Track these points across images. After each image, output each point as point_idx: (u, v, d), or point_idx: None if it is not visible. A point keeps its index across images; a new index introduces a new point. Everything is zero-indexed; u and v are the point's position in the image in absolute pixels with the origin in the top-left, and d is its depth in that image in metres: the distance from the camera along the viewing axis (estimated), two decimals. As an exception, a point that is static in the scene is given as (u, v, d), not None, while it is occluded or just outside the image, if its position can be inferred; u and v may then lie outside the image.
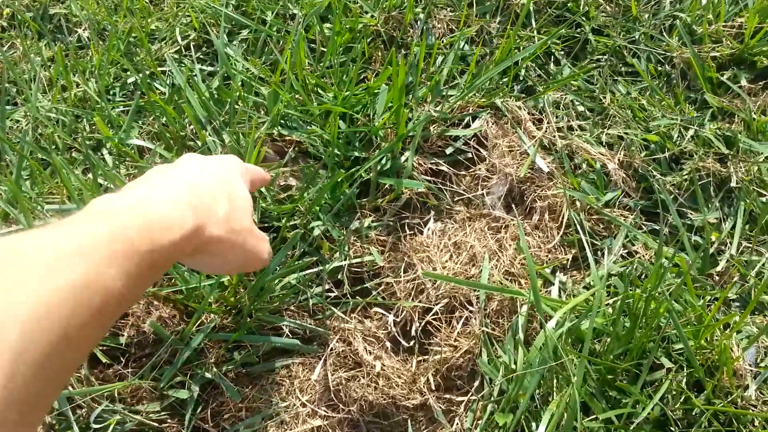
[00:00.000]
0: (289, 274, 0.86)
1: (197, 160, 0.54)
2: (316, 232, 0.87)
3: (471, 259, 0.88)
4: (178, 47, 1.12)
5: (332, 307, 0.87)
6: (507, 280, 0.85)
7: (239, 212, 0.52)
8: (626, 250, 0.89)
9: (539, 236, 0.90)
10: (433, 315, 0.83)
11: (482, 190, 0.94)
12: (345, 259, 0.88)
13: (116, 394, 0.77)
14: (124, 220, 0.39)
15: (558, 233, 0.89)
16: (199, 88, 0.99)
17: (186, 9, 1.15)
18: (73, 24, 1.17)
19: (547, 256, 0.89)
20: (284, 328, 0.84)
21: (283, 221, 0.89)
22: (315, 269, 0.88)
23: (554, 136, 0.95)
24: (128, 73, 1.11)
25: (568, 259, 0.89)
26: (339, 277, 0.89)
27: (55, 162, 0.88)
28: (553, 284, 0.86)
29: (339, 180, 0.95)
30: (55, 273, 0.32)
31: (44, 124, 1.02)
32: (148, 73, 1.10)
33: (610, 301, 0.81)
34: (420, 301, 0.84)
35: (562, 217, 0.89)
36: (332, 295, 0.88)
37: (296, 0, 1.20)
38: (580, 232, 0.88)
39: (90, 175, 0.94)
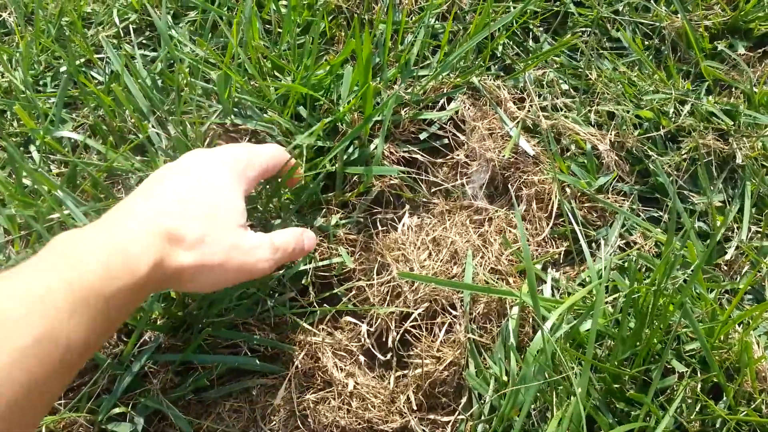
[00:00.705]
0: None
1: (192, 162, 0.56)
2: (278, 226, 0.76)
3: (452, 257, 0.78)
4: (116, 30, 1.00)
5: (297, 319, 0.76)
6: (493, 279, 0.76)
7: (218, 230, 0.51)
8: (623, 241, 0.80)
9: (527, 228, 0.80)
10: (412, 322, 0.73)
11: (462, 179, 0.84)
12: (310, 262, 0.78)
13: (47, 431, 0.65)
14: (84, 264, 0.39)
15: (548, 224, 0.80)
16: (139, 74, 0.88)
17: (124, -12, 1.03)
18: (-5, 7, 1.04)
19: (536, 250, 0.79)
20: (242, 344, 0.73)
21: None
22: (275, 274, 0.77)
23: (538, 116, 0.86)
24: (61, 61, 0.98)
25: (559, 253, 0.79)
26: (304, 282, 0.78)
27: (-32, 161, 0.76)
28: (545, 282, 0.76)
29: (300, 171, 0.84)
30: (15, 332, 0.32)
31: (-39, 120, 0.89)
32: (82, 60, 0.98)
33: (610, 299, 0.72)
34: (396, 306, 0.74)
35: (552, 206, 0.80)
36: (297, 304, 0.77)
37: (249, -22, 1.08)
38: (573, 221, 0.78)
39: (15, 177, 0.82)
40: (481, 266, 0.77)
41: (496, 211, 0.81)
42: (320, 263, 0.78)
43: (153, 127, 0.88)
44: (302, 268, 0.77)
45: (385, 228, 0.82)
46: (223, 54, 0.97)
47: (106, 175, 0.85)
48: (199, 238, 0.48)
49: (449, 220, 0.81)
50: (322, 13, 0.97)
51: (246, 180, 0.58)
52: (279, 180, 0.72)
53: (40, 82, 0.96)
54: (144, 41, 1.03)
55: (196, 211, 0.50)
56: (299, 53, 0.94)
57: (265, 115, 0.90)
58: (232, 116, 0.90)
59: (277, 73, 0.93)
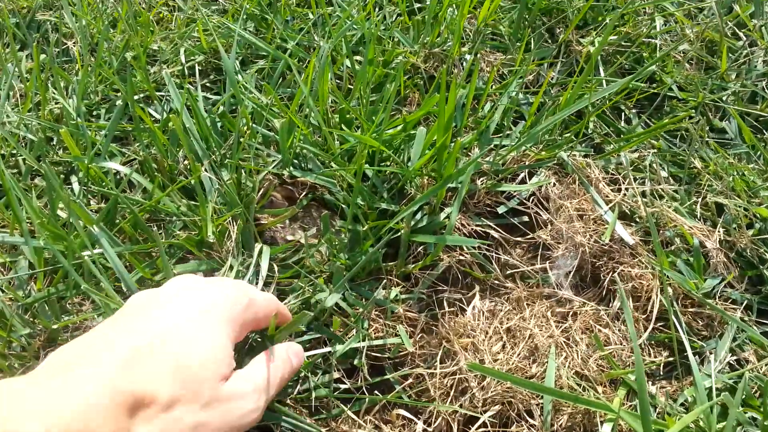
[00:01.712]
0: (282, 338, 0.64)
1: (177, 294, 0.46)
2: (330, 302, 0.66)
3: (531, 353, 0.66)
4: (181, 68, 0.95)
5: (341, 404, 0.64)
6: (579, 384, 0.63)
7: (194, 385, 0.40)
8: (733, 357, 0.67)
9: (621, 330, 0.68)
10: (480, 427, 0.60)
11: (543, 262, 0.74)
12: (363, 340, 0.67)
13: None
14: None
15: (645, 328, 0.68)
16: (200, 114, 0.81)
17: (194, 28, 0.99)
18: (63, 35, 1.01)
19: (630, 356, 0.67)
20: (274, 429, 0.62)
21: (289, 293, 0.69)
22: (321, 350, 0.66)
23: (636, 202, 0.75)
24: (119, 94, 0.93)
25: (658, 364, 0.67)
26: (353, 363, 0.67)
27: (3, 181, 0.68)
28: (640, 395, 0.64)
29: (361, 235, 0.74)
30: None
31: (7, 142, 0.83)
32: (141, 96, 0.93)
33: (720, 426, 0.59)
34: (461, 406, 0.62)
35: (652, 307, 0.68)
36: (342, 387, 0.66)
37: (323, 33, 1.04)
38: (678, 328, 0.66)
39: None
40: (564, 367, 0.65)
41: (584, 304, 0.70)
42: (375, 342, 0.67)
43: (206, 170, 0.80)
44: (354, 345, 0.66)
45: (452, 309, 0.71)
46: (287, 105, 0.91)
47: (148, 216, 0.77)
48: (171, 399, 0.39)
49: (528, 308, 0.69)
50: (398, 69, 0.91)
51: (238, 326, 0.47)
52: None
53: (94, 113, 0.91)
54: (208, 84, 0.98)
55: (169, 361, 0.40)
56: (370, 110, 0.87)
57: (327, 169, 0.82)
58: (291, 168, 0.83)
59: (344, 127, 0.86)
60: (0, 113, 0.85)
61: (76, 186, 0.79)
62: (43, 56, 0.98)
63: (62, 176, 0.82)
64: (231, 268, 0.71)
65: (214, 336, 0.43)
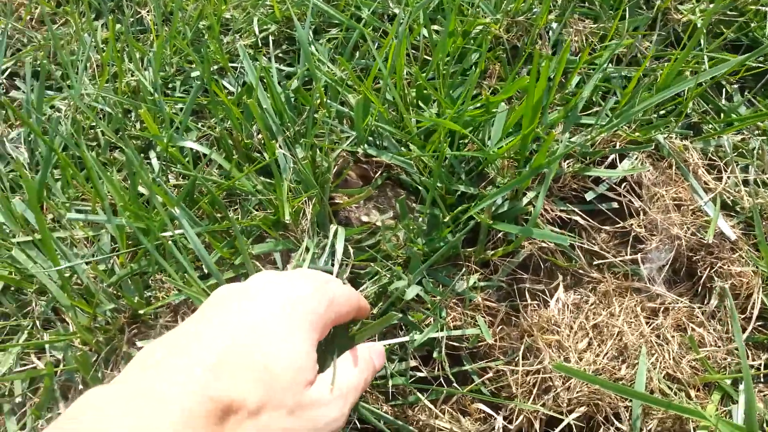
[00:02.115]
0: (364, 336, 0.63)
1: (260, 292, 0.45)
2: (410, 294, 0.64)
3: (620, 352, 0.63)
4: (254, 40, 0.93)
5: (417, 393, 0.63)
6: (671, 387, 0.60)
7: (280, 393, 0.40)
8: (842, 365, 0.62)
9: (716, 329, 0.64)
10: (564, 429, 0.58)
11: (634, 253, 0.70)
12: (441, 329, 0.65)
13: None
14: None
15: (744, 328, 0.63)
16: (274, 89, 0.79)
17: (269, -3, 0.96)
18: (136, 4, 1.01)
19: (725, 359, 0.63)
20: (351, 414, 0.61)
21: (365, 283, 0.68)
22: (399, 339, 0.65)
23: (738, 191, 0.70)
24: (192, 65, 0.92)
25: (758, 367, 0.63)
26: (429, 350, 0.66)
27: (85, 159, 0.69)
28: (736, 401, 0.60)
29: (439, 220, 0.72)
30: None
31: (86, 115, 0.84)
32: (215, 68, 0.91)
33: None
34: (544, 405, 0.60)
35: (752, 306, 0.63)
36: (419, 375, 0.65)
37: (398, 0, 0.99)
38: (783, 331, 0.61)
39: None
40: (654, 368, 0.61)
41: (677, 300, 0.66)
42: (453, 332, 0.65)
43: (280, 147, 0.79)
44: (432, 335, 0.64)
45: (534, 301, 0.68)
46: (361, 78, 0.88)
47: (225, 193, 0.77)
48: (259, 405, 0.38)
49: (617, 303, 0.66)
50: (480, 41, 0.86)
51: (321, 327, 0.45)
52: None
53: (169, 85, 0.90)
54: (280, 54, 0.96)
55: (257, 366, 0.39)
56: (449, 84, 0.83)
57: (403, 149, 0.80)
58: (366, 146, 0.80)
59: (421, 104, 0.83)
60: (79, 86, 0.85)
61: (155, 161, 0.80)
62: (117, 26, 0.98)
63: (141, 153, 0.82)
64: (307, 249, 0.70)
65: (300, 339, 0.42)
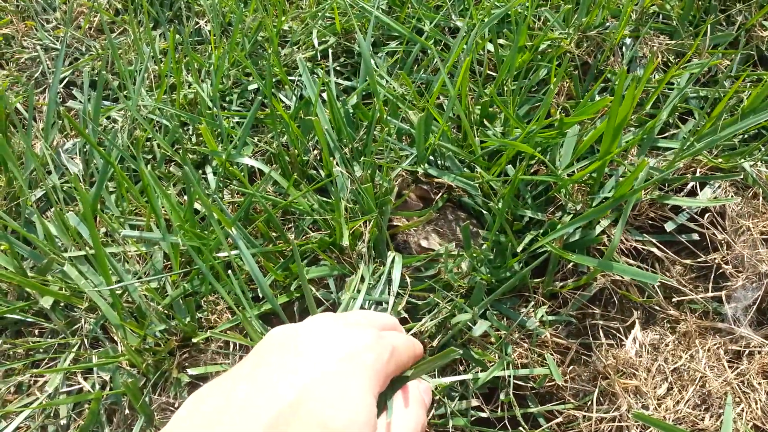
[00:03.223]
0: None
1: (318, 339, 0.41)
2: (478, 332, 0.60)
3: (703, 400, 0.57)
4: (314, 52, 0.91)
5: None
6: (763, 444, 0.55)
7: None
8: None
9: (815, 381, 0.58)
10: (644, 485, 0.53)
11: (717, 290, 0.64)
12: (506, 367, 0.61)
13: None
14: None
15: None
16: (334, 104, 0.77)
17: (328, 8, 0.94)
18: (195, 14, 1.00)
19: (824, 413, 0.57)
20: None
21: (423, 315, 0.64)
22: (460, 377, 0.61)
23: (838, 227, 0.64)
24: (250, 78, 0.91)
25: None
26: (490, 387, 0.62)
27: (142, 173, 0.68)
28: (837, 464, 0.54)
29: (505, 248, 0.68)
30: None
31: (143, 127, 0.83)
32: (274, 80, 0.90)
33: None
34: (621, 457, 0.55)
35: None
36: (481, 415, 0.61)
37: (461, 12, 0.96)
38: None
39: (186, 197, 0.74)
40: (741, 419, 0.56)
41: (764, 344, 0.60)
42: (519, 371, 0.61)
43: (338, 164, 0.76)
44: (497, 374, 0.60)
45: (609, 340, 0.63)
46: (421, 93, 0.85)
47: (280, 211, 0.74)
48: None
49: (700, 344, 0.60)
50: (549, 56, 0.82)
51: (382, 380, 0.41)
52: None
53: (226, 98, 0.89)
54: (337, 67, 0.93)
55: (313, 426, 0.35)
56: (516, 101, 0.79)
57: (466, 169, 0.76)
58: (426, 165, 0.77)
59: (486, 122, 0.79)
60: (136, 97, 0.85)
61: (211, 177, 0.78)
62: (176, 37, 0.97)
63: (197, 168, 0.81)
64: (362, 279, 0.67)
65: (359, 394, 0.38)
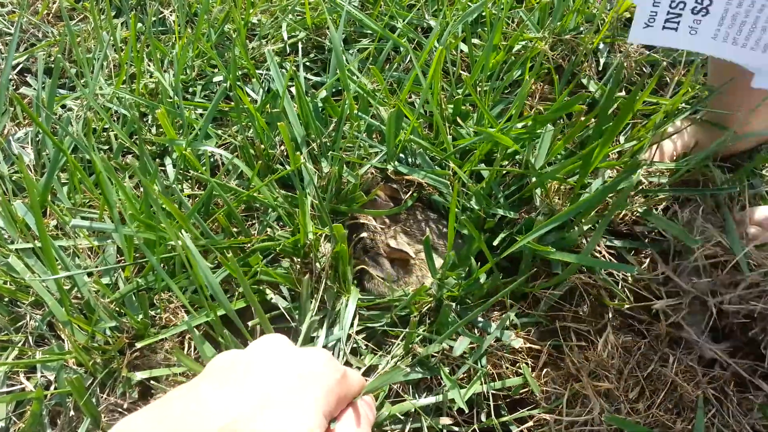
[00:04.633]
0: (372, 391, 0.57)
1: (262, 365, 0.37)
2: (459, 350, 0.58)
3: (675, 404, 0.56)
4: (282, 45, 0.88)
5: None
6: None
7: None
8: None
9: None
10: (617, 491, 0.51)
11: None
12: (483, 382, 0.58)
13: None
14: None
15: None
16: (303, 97, 0.74)
17: (298, 2, 0.91)
18: (159, 3, 0.96)
19: (798, 419, 0.56)
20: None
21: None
22: (434, 399, 0.58)
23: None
24: (216, 70, 0.87)
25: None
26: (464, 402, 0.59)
27: (95, 162, 0.63)
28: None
29: (472, 250, 0.65)
30: None
31: (99, 116, 0.79)
32: (240, 74, 0.86)
33: None
34: (594, 462, 0.53)
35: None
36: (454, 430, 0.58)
37: (434, 12, 0.94)
38: None
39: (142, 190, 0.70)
40: (713, 426, 0.55)
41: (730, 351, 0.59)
42: (495, 384, 0.58)
43: (305, 159, 0.73)
44: (474, 390, 0.58)
45: (579, 341, 0.61)
46: (392, 92, 0.83)
47: (243, 208, 0.71)
48: None
49: (671, 350, 0.59)
50: (524, 58, 0.81)
51: (334, 401, 0.38)
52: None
53: (189, 89, 0.85)
54: (307, 63, 0.91)
55: None
56: (490, 100, 0.78)
57: (437, 167, 0.74)
58: (396, 163, 0.75)
59: (459, 120, 0.77)
60: (94, 85, 0.80)
61: (170, 168, 0.74)
62: (138, 25, 0.94)
63: (156, 159, 0.77)
64: (317, 328, 0.63)
65: (311, 412, 0.35)
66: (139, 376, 0.59)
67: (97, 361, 0.61)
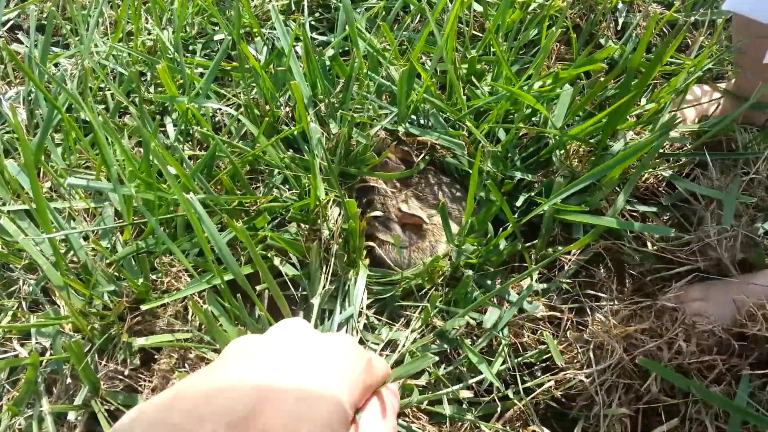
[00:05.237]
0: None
1: (280, 351, 0.33)
2: (490, 322, 0.55)
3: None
4: (287, 2, 0.84)
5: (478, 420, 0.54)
6: None
7: None
8: None
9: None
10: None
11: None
12: (506, 357, 0.55)
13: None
14: None
15: None
16: (311, 54, 0.70)
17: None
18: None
19: None
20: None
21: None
22: (461, 386, 0.55)
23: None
24: (217, 27, 0.83)
25: None
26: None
27: (92, 120, 0.60)
28: None
29: (491, 214, 0.62)
30: None
31: (96, 75, 0.75)
32: (242, 32, 0.82)
33: None
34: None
35: None
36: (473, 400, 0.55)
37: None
38: None
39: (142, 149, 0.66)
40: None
41: None
42: (523, 357, 0.56)
43: (312, 120, 0.70)
44: (499, 363, 0.55)
45: (602, 304, 0.59)
46: (401, 52, 0.79)
47: (247, 168, 0.68)
48: None
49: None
50: (542, 15, 0.77)
51: (359, 391, 0.34)
52: None
53: (189, 48, 0.81)
54: (312, 22, 0.87)
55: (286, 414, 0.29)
56: (506, 56, 0.74)
57: (450, 128, 0.70)
58: (407, 124, 0.71)
59: (475, 80, 0.74)
60: (89, 42, 0.76)
61: (170, 128, 0.71)
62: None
63: (156, 117, 0.73)
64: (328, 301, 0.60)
65: (332, 406, 0.32)
66: (140, 342, 0.56)
67: (95, 326, 0.58)
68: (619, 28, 0.80)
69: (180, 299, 0.59)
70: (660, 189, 0.67)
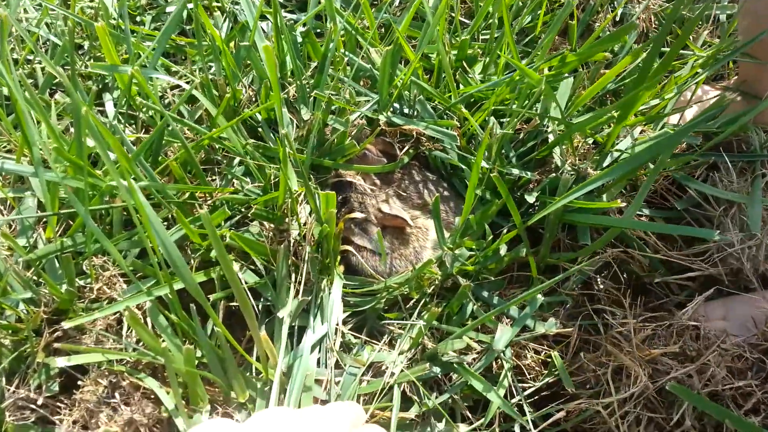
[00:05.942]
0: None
1: None
2: (502, 343, 0.47)
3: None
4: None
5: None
6: None
7: None
8: None
9: None
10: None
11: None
12: (506, 381, 0.47)
13: None
14: None
15: None
16: (283, 27, 0.61)
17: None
18: None
19: None
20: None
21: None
22: (440, 396, 0.46)
23: None
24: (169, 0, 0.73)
25: None
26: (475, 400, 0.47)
27: (12, 96, 0.48)
28: None
29: (490, 215, 0.54)
30: None
31: (23, 43, 0.63)
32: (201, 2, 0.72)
33: None
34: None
35: None
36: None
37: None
38: None
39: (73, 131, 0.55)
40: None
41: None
42: (526, 386, 0.47)
43: (283, 105, 0.60)
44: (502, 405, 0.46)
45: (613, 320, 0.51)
46: (382, 37, 0.70)
47: (202, 155, 0.57)
48: None
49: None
50: (537, 1, 0.70)
51: None
52: None
53: (137, 19, 0.70)
54: (282, 1, 0.77)
55: None
56: (495, 44, 0.66)
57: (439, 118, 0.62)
58: (389, 112, 0.62)
59: (467, 65, 0.65)
60: (16, 5, 0.65)
61: (109, 106, 0.60)
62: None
63: (93, 94, 0.62)
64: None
65: None
66: (61, 363, 0.45)
67: (3, 342, 0.46)
68: (617, 19, 0.73)
69: (113, 313, 0.48)
70: (669, 192, 0.60)
